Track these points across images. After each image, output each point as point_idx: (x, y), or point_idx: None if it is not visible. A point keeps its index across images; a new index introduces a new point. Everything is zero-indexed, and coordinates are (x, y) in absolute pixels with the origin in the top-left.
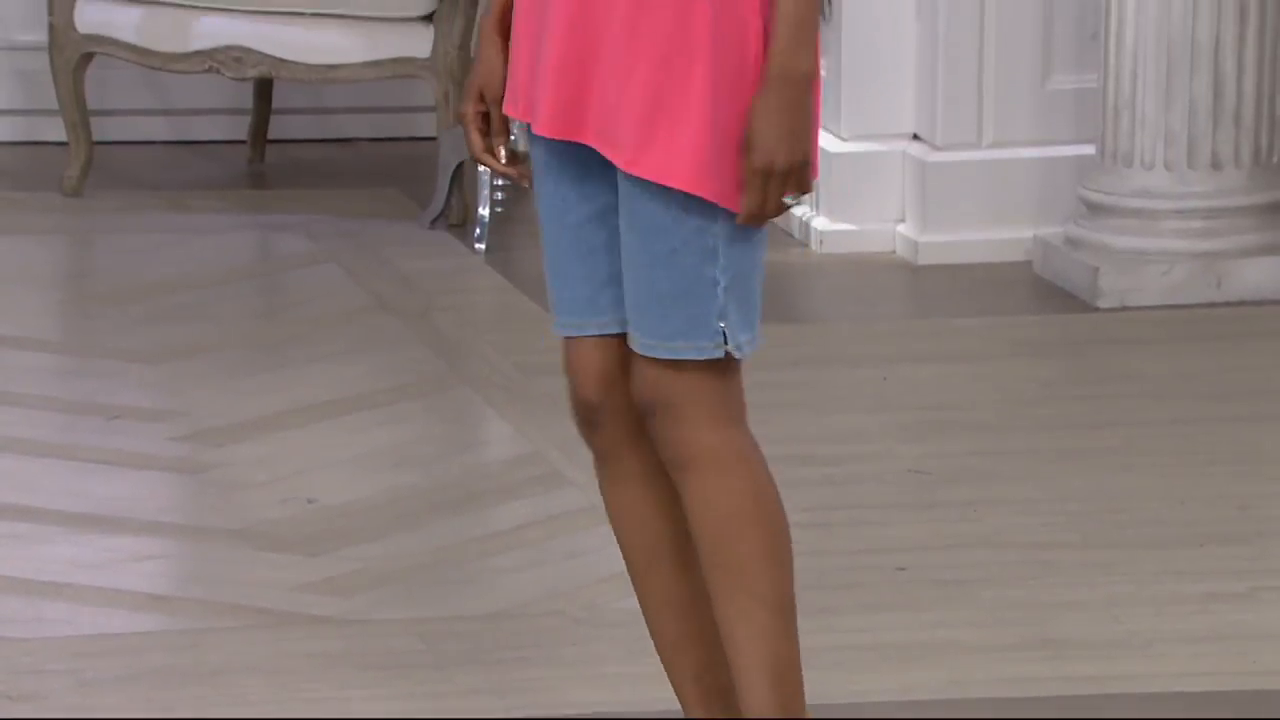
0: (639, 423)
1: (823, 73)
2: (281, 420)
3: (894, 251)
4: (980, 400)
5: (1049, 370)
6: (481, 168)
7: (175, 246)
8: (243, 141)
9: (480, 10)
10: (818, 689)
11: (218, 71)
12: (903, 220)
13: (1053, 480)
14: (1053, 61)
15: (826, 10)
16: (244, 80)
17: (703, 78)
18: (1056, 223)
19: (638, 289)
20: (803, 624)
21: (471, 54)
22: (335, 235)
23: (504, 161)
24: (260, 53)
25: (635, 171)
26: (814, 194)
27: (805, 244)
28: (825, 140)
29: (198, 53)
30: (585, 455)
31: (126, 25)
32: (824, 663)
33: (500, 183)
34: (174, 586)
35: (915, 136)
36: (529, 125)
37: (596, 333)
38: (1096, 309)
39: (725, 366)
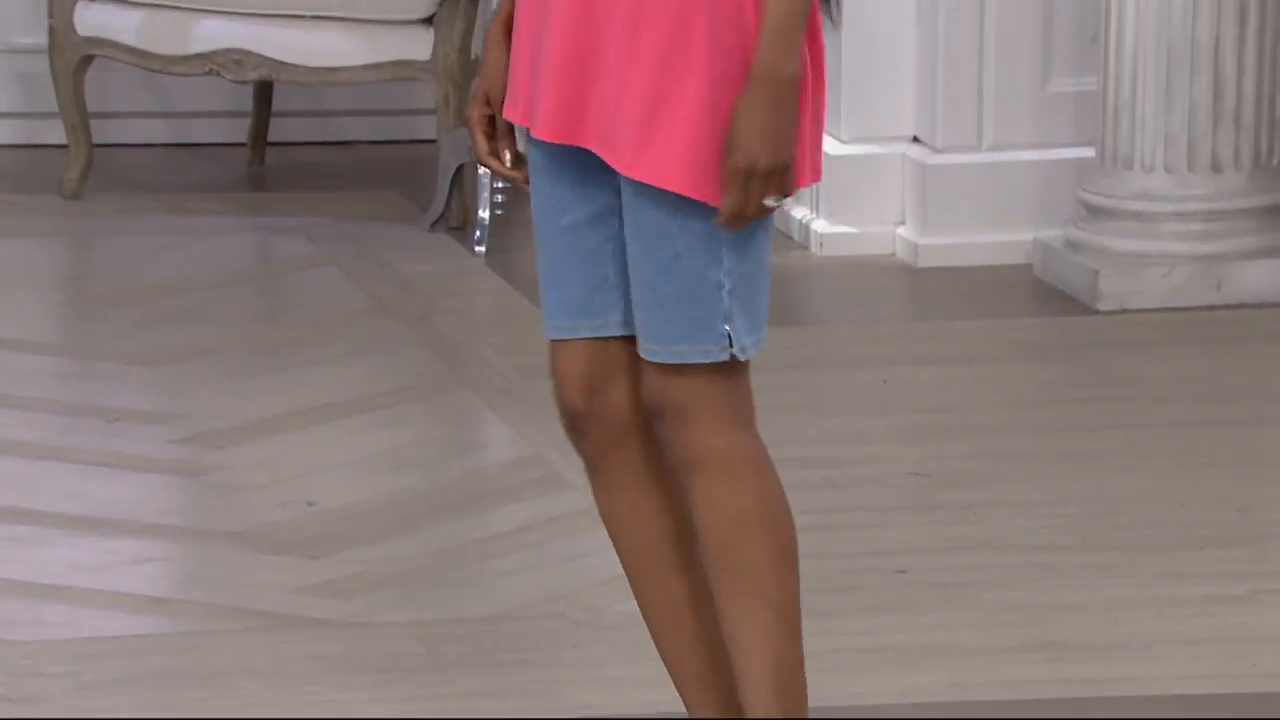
0: (625, 428)
1: (823, 77)
2: (281, 423)
3: (894, 254)
4: (980, 403)
5: (1049, 373)
6: (482, 170)
7: (175, 249)
8: (243, 144)
9: (480, 12)
10: (818, 691)
11: (218, 74)
12: (903, 223)
13: (1053, 483)
14: (1053, 64)
15: (835, 15)
16: (244, 83)
17: (701, 82)
18: (1056, 225)
19: (642, 293)
20: (804, 626)
21: (473, 57)
22: (335, 238)
23: (509, 165)
24: (260, 55)
25: (633, 175)
26: (814, 197)
27: (805, 246)
28: (825, 143)
29: (198, 55)
30: None
31: (126, 28)
32: (824, 665)
33: (500, 185)
34: (174, 589)
35: (915, 139)
36: (528, 129)
37: (589, 335)
38: (1096, 311)
39: (733, 369)
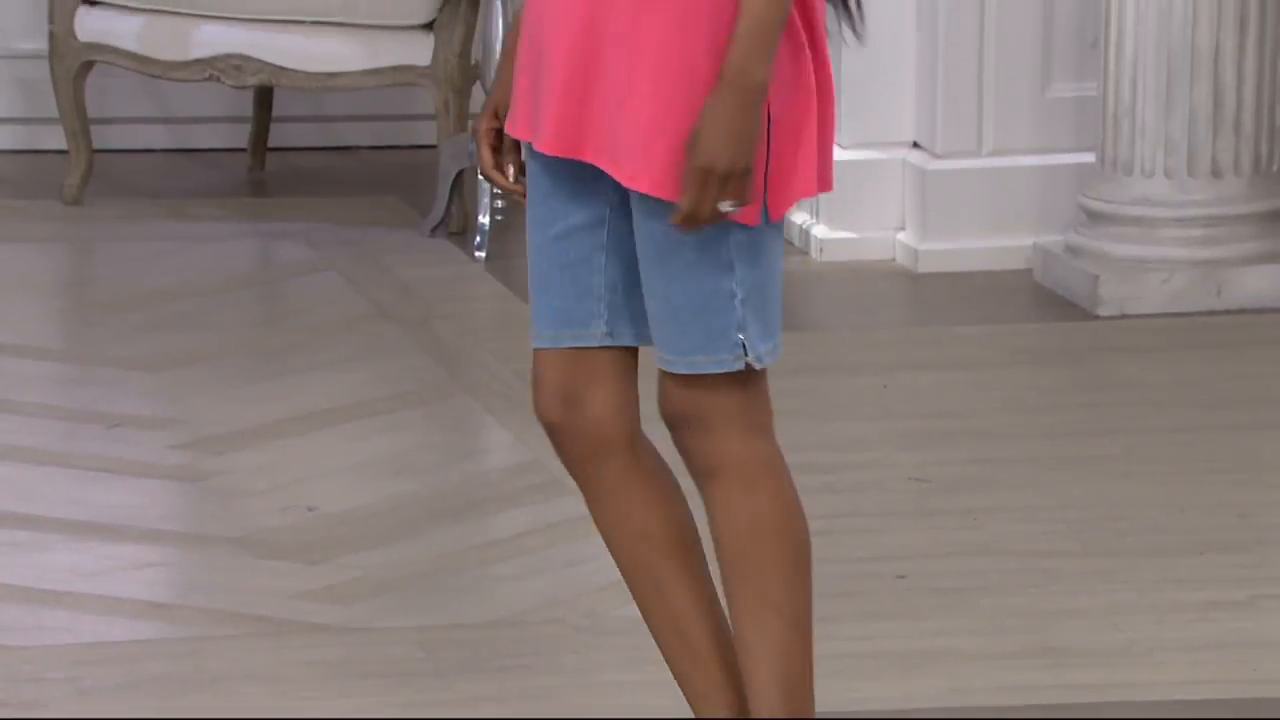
0: (604, 441)
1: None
2: (282, 428)
3: (894, 259)
4: (980, 408)
5: (1049, 378)
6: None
7: (175, 254)
8: (243, 149)
9: (481, 17)
10: (818, 697)
11: (218, 79)
12: (903, 228)
13: (1053, 488)
14: (1053, 69)
15: (860, 28)
16: (244, 88)
17: (700, 94)
18: (1056, 231)
19: (656, 305)
20: None
21: (473, 62)
22: (335, 243)
23: (512, 180)
24: (260, 61)
25: (635, 187)
26: (814, 202)
27: (805, 252)
28: None
29: (198, 61)
30: None
31: (127, 33)
32: (824, 671)
33: (500, 191)
34: (174, 594)
35: (915, 144)
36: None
37: (571, 344)
38: (1096, 317)
39: (749, 377)
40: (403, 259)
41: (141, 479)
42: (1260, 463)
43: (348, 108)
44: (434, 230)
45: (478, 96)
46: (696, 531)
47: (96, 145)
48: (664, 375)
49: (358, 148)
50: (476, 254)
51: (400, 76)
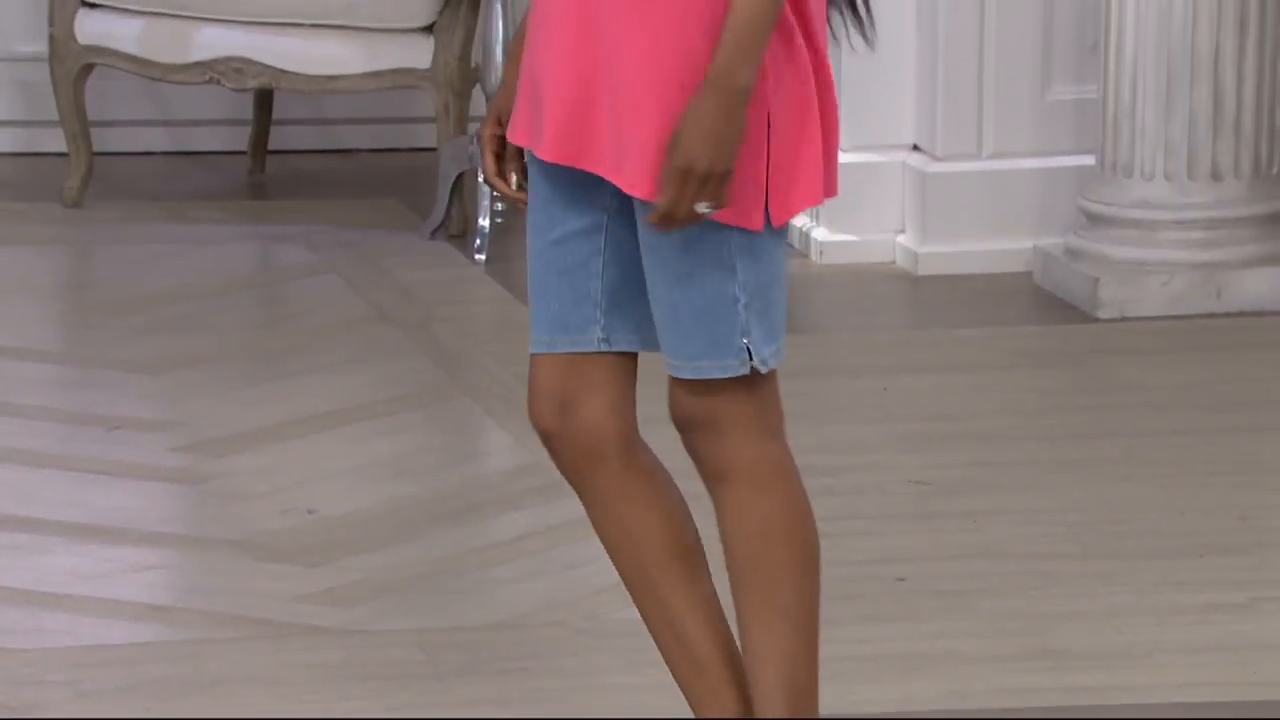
0: (598, 447)
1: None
2: (282, 431)
3: (894, 262)
4: (980, 411)
5: (1049, 380)
6: (482, 178)
7: (175, 257)
8: (243, 152)
9: (481, 20)
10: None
11: (218, 82)
12: (903, 231)
13: (1053, 490)
14: (1052, 72)
15: (870, 35)
16: (244, 91)
17: None
18: (1056, 233)
19: (660, 311)
20: None
21: (473, 65)
22: (335, 246)
23: (514, 187)
24: (260, 64)
25: (637, 194)
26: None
27: (805, 254)
28: None
29: (198, 64)
30: None
31: (127, 36)
32: (825, 673)
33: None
34: (174, 597)
35: (915, 147)
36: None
37: (566, 350)
38: (1096, 319)
39: (757, 380)
40: (403, 261)
41: (141, 481)
42: (1260, 465)
43: (348, 110)
44: (434, 233)
45: (478, 99)
46: (696, 535)
47: (97, 148)
48: (673, 379)
49: (358, 150)
50: (476, 256)
51: (400, 79)
